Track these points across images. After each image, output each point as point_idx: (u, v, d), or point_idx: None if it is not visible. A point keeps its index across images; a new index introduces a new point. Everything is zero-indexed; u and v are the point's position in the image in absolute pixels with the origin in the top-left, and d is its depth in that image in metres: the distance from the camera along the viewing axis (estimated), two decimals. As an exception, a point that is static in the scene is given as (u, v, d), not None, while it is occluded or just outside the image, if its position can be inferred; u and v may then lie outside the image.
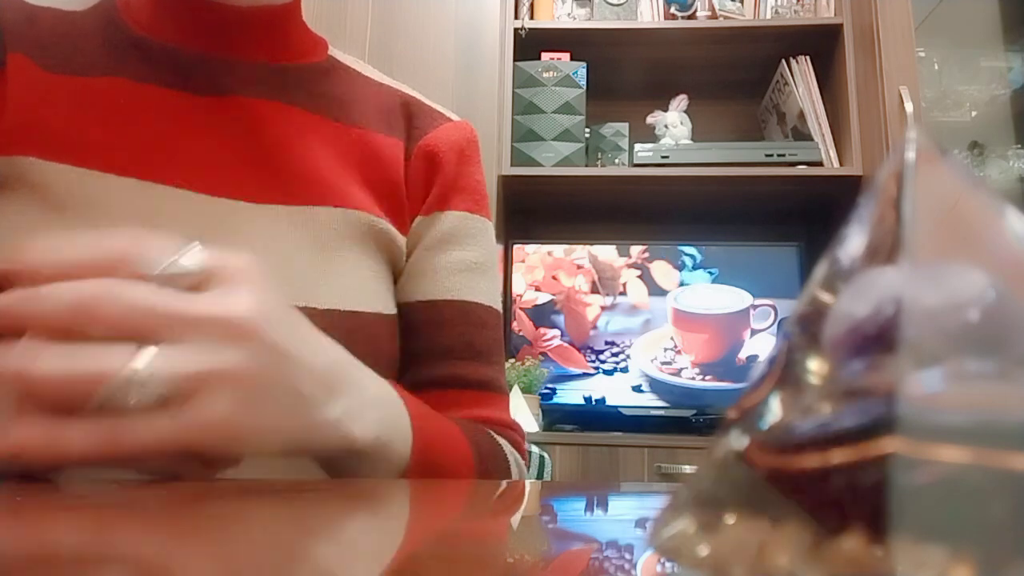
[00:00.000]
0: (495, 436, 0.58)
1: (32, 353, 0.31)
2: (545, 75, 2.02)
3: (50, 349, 0.31)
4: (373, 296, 0.57)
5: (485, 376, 0.61)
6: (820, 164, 1.94)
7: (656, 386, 1.95)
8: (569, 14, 2.14)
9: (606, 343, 1.99)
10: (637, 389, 1.95)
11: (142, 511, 0.26)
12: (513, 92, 2.02)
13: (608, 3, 2.10)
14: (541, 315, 2.02)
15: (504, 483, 0.52)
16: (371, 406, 0.42)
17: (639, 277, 2.01)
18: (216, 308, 0.33)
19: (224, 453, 0.36)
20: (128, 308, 0.31)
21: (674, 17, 2.09)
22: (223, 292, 0.34)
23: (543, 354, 1.98)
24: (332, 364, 0.40)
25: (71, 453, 0.31)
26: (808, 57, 2.04)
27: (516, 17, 2.06)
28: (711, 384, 1.94)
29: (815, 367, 0.15)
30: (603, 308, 2.01)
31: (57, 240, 0.33)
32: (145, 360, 0.31)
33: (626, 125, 2.08)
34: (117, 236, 0.34)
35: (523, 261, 2.05)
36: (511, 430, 0.61)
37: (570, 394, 1.97)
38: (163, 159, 0.53)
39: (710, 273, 2.00)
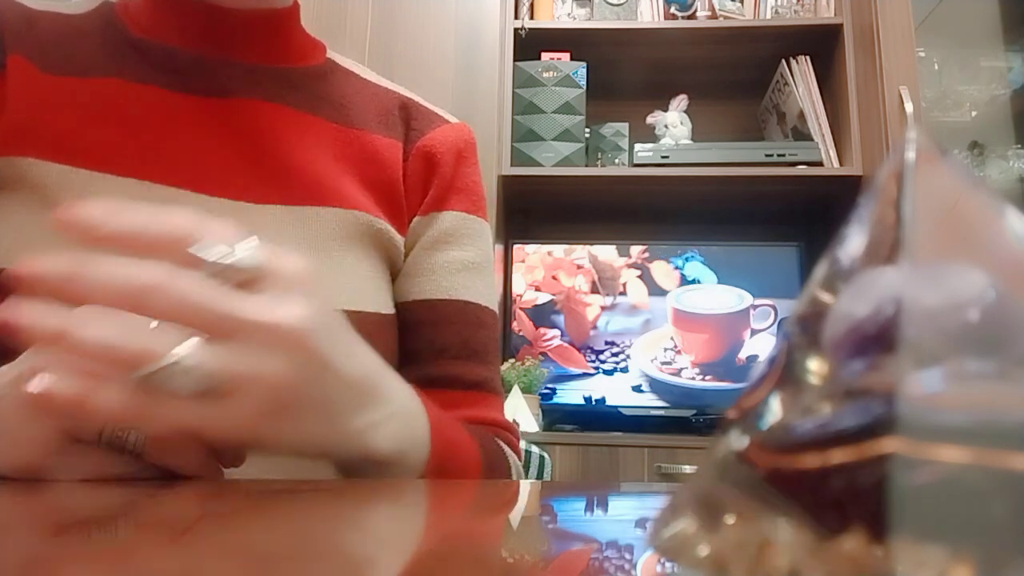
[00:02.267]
0: (497, 440, 0.58)
1: (86, 317, 0.31)
2: (545, 75, 2.02)
3: (104, 318, 0.31)
4: (371, 296, 0.57)
5: (481, 376, 0.61)
6: (820, 164, 1.94)
7: (656, 386, 1.95)
8: (569, 14, 2.14)
9: (606, 343, 1.99)
10: (637, 389, 1.95)
11: (155, 510, 0.26)
12: (513, 92, 2.02)
13: (608, 3, 2.10)
14: (541, 315, 2.02)
15: (504, 483, 0.52)
16: (394, 418, 0.42)
17: (639, 277, 2.01)
18: (268, 314, 0.33)
19: (234, 450, 0.37)
20: (180, 301, 0.31)
21: (674, 17, 2.09)
22: (276, 297, 0.34)
23: (543, 354, 1.98)
24: (366, 375, 0.40)
25: (99, 410, 0.31)
26: (808, 57, 2.04)
27: (516, 17, 2.06)
28: (711, 384, 1.94)
29: (815, 367, 0.15)
30: (603, 308, 2.01)
31: (119, 207, 0.32)
32: (190, 350, 0.31)
33: (626, 125, 2.08)
34: (179, 215, 0.33)
35: (523, 261, 2.05)
36: (506, 431, 0.61)
37: (570, 394, 1.97)
38: (162, 159, 0.53)
39: (709, 269, 2.00)
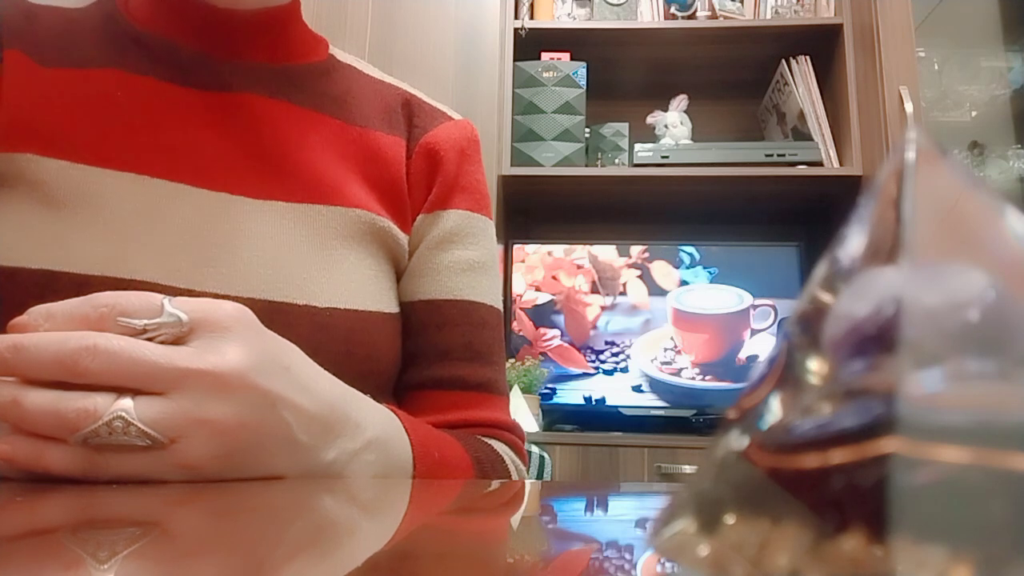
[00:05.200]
0: (494, 444, 0.58)
1: (24, 389, 0.32)
2: (545, 75, 2.02)
3: (40, 388, 0.32)
4: (374, 295, 0.57)
5: (484, 377, 0.61)
6: (820, 164, 1.94)
7: (656, 386, 1.95)
8: (569, 14, 2.14)
9: (606, 343, 1.98)
10: (637, 389, 1.95)
11: (137, 508, 0.26)
12: (513, 92, 2.01)
13: (608, 3, 2.09)
14: (541, 315, 2.02)
15: (504, 483, 0.52)
16: (371, 446, 0.42)
17: (639, 277, 2.01)
18: (200, 361, 0.33)
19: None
20: (110, 361, 0.32)
21: (674, 17, 2.09)
22: (207, 344, 0.34)
23: (543, 354, 1.98)
24: (331, 405, 0.40)
25: (52, 470, 0.32)
26: (808, 57, 2.03)
27: (516, 17, 2.06)
28: (711, 384, 1.94)
29: (815, 367, 0.15)
30: (603, 308, 2.01)
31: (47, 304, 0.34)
32: (126, 406, 0.32)
33: (626, 125, 2.08)
34: (103, 295, 0.34)
35: (523, 261, 2.05)
36: (510, 432, 0.61)
37: (570, 394, 1.97)
38: (161, 153, 0.53)
39: (710, 272, 2.00)
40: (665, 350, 1.97)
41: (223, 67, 0.57)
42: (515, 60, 2.02)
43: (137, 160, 0.52)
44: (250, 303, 0.38)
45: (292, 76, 0.60)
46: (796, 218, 2.16)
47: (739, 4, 2.09)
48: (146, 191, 0.51)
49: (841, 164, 1.95)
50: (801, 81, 2.02)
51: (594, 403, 1.96)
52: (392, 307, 0.59)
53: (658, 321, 1.98)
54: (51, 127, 0.51)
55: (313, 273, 0.53)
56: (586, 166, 2.03)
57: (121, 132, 0.53)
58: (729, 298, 1.98)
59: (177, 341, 0.34)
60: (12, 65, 0.53)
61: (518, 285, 2.04)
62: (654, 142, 2.03)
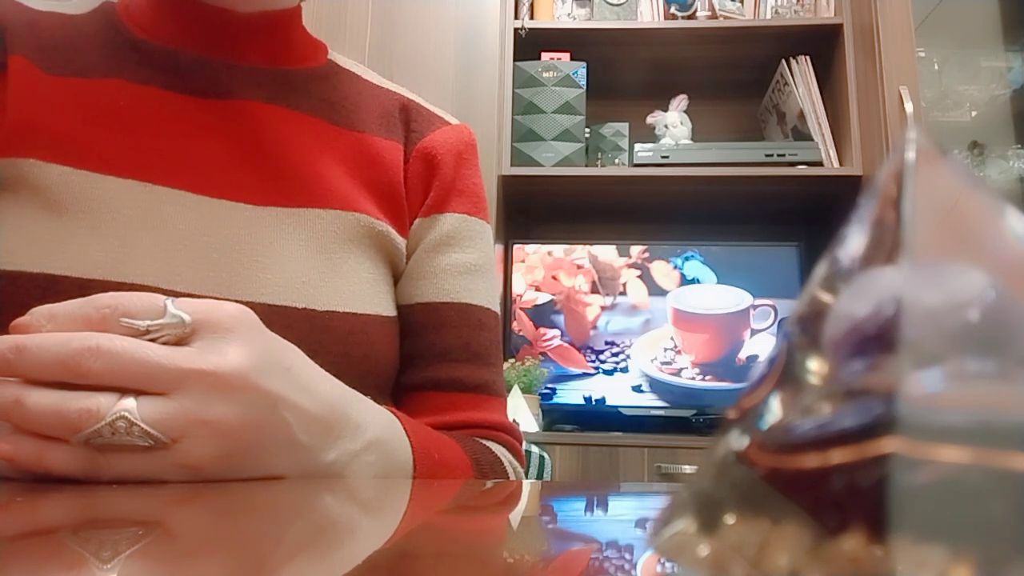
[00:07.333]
0: (492, 446, 0.58)
1: (27, 389, 0.32)
2: (545, 75, 2.02)
3: (43, 389, 0.32)
4: (372, 298, 0.57)
5: (482, 379, 0.61)
6: (820, 164, 1.94)
7: (656, 386, 1.95)
8: (569, 14, 2.14)
9: (606, 343, 1.98)
10: (637, 389, 1.95)
11: (138, 508, 0.26)
12: (513, 92, 2.01)
13: (608, 3, 2.09)
14: (541, 315, 2.02)
15: (504, 483, 0.52)
16: (371, 448, 0.42)
17: (639, 277, 2.01)
18: (201, 362, 0.34)
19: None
20: (112, 361, 0.32)
21: (674, 17, 2.09)
22: (209, 344, 0.34)
23: (543, 354, 1.98)
24: (329, 408, 0.40)
25: (54, 470, 0.32)
26: (808, 57, 2.04)
27: (516, 17, 2.06)
28: (711, 384, 1.94)
29: (815, 367, 0.15)
30: (603, 308, 2.01)
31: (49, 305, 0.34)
32: (128, 407, 0.32)
33: (626, 125, 2.08)
34: (105, 295, 0.34)
35: (523, 261, 2.05)
36: (507, 433, 0.61)
37: (570, 394, 1.97)
38: (163, 161, 0.53)
39: (707, 266, 2.00)
40: (665, 350, 1.97)
41: (222, 72, 0.57)
42: (515, 60, 2.02)
43: (138, 167, 0.52)
44: (249, 307, 0.38)
45: (291, 81, 0.61)
46: (796, 218, 2.16)
47: (739, 4, 2.09)
48: (147, 197, 0.51)
49: (841, 164, 1.95)
50: (801, 81, 2.02)
51: (594, 403, 1.96)
52: (390, 310, 0.59)
53: (658, 321, 1.98)
54: (54, 133, 0.51)
55: (312, 277, 0.54)
56: (586, 166, 2.03)
57: (123, 139, 0.53)
58: (729, 298, 1.98)
59: (179, 342, 0.34)
60: (16, 71, 0.53)
61: (518, 285, 2.04)
62: (654, 142, 2.03)
